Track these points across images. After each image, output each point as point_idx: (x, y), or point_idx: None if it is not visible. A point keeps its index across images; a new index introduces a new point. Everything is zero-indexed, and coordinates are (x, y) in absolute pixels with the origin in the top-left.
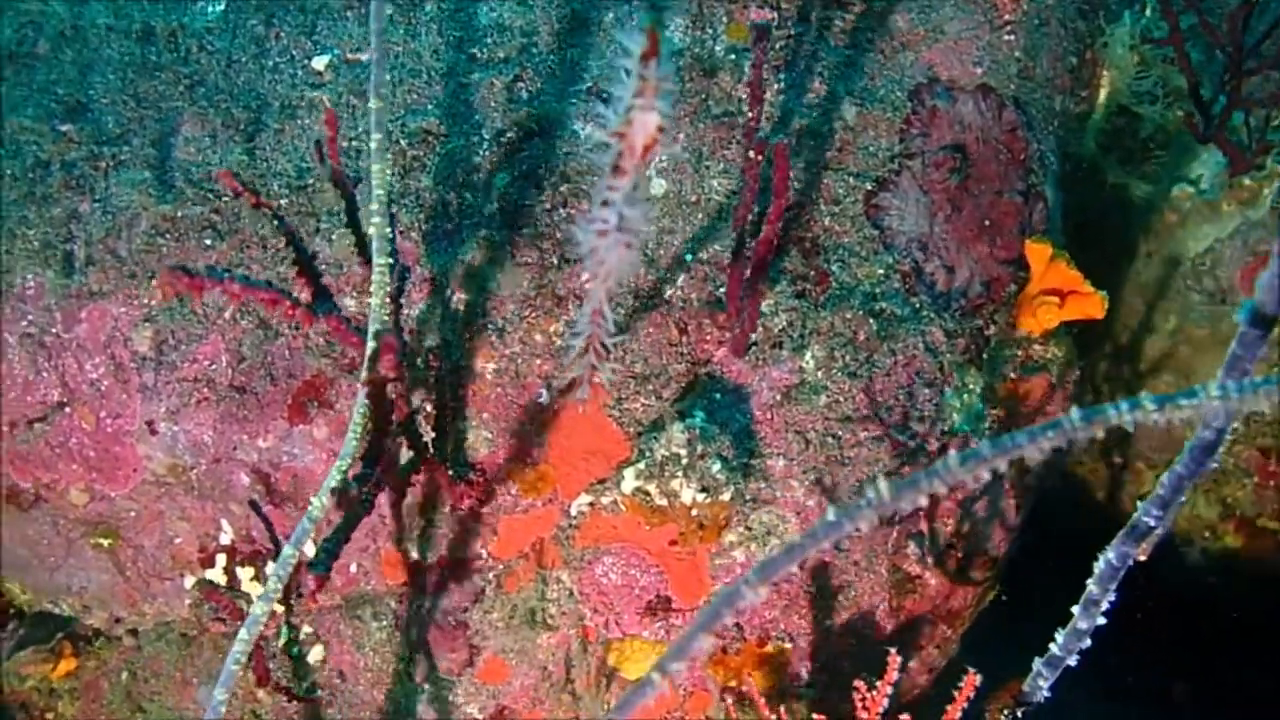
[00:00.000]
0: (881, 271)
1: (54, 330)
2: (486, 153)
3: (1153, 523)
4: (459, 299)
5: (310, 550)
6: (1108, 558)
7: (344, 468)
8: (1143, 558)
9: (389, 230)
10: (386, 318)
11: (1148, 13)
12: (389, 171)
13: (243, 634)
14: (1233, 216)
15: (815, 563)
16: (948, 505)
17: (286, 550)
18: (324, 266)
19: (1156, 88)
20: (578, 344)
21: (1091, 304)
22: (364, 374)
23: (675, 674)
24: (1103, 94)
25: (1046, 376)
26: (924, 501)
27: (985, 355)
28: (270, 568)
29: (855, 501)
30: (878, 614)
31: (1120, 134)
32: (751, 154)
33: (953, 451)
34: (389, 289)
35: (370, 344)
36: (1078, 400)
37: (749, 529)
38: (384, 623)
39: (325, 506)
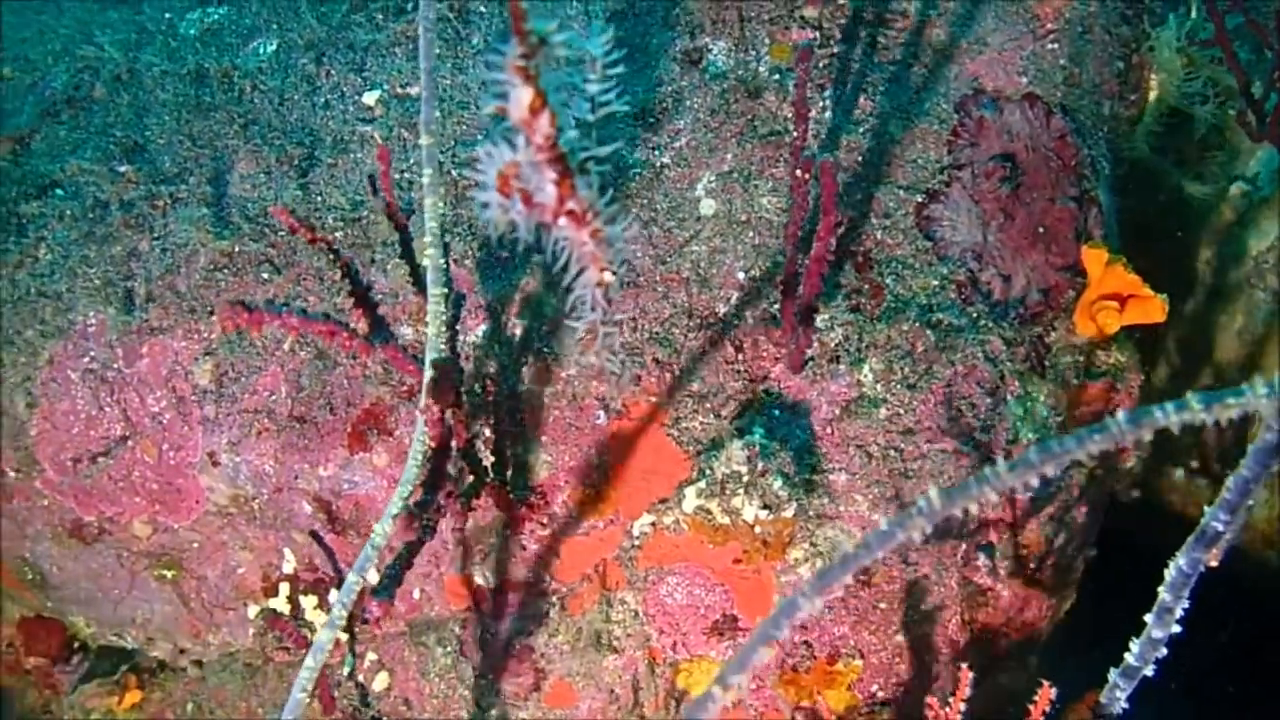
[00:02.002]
0: (936, 283)
1: (116, 366)
2: None
3: (1221, 528)
4: (514, 324)
5: (373, 577)
6: (1178, 564)
7: (406, 495)
8: (1214, 563)
9: (443, 261)
10: (443, 346)
11: (1193, 14)
12: (442, 204)
13: (309, 661)
14: None
15: (884, 577)
16: (1016, 516)
17: (351, 577)
18: (380, 296)
19: (1206, 88)
20: (580, 327)
21: (1152, 307)
22: (421, 402)
23: (736, 686)
24: (1152, 97)
25: (1110, 382)
26: (975, 509)
27: (1046, 363)
28: (334, 595)
29: (907, 510)
30: (950, 629)
31: (1173, 136)
32: (799, 171)
33: (1001, 458)
34: (445, 317)
35: (428, 373)
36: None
37: (814, 545)
38: (448, 648)
39: (388, 533)
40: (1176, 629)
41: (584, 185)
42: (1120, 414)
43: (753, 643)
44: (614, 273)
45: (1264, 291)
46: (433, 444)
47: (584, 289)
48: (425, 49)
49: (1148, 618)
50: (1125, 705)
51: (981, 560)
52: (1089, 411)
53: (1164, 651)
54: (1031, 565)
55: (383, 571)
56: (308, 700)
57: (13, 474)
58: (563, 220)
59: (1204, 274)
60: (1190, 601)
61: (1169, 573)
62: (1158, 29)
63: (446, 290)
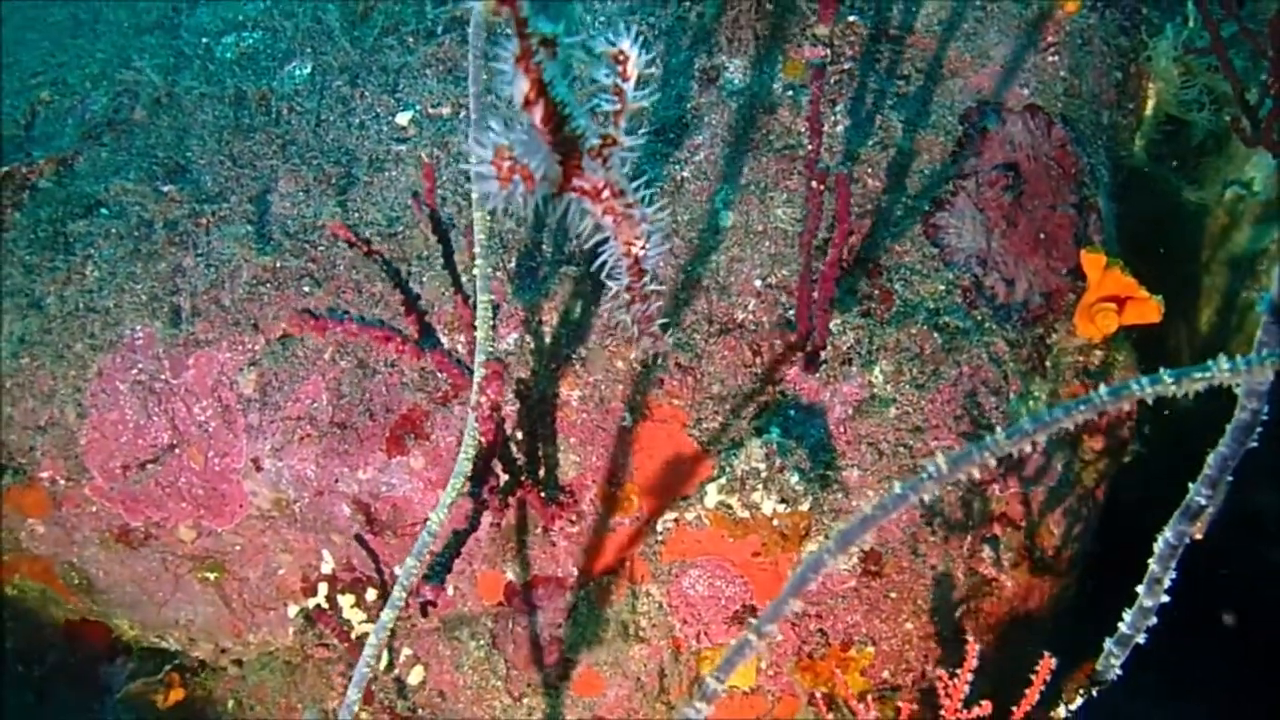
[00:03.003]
0: (943, 287)
1: (163, 377)
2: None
3: (1204, 501)
4: (544, 332)
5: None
6: (1165, 537)
7: (459, 485)
8: (1199, 536)
9: (489, 270)
10: (491, 348)
11: (1190, 24)
12: (488, 215)
13: (372, 639)
14: None
15: (894, 568)
16: (1019, 509)
17: (409, 561)
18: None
19: (1202, 96)
20: (614, 286)
21: (1148, 308)
22: (473, 398)
23: (770, 635)
24: (1150, 105)
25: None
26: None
27: (1048, 363)
28: (371, 595)
29: (918, 475)
30: (957, 617)
31: (1172, 142)
32: (814, 183)
33: (999, 428)
34: (492, 321)
35: (478, 372)
36: (1142, 404)
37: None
38: (481, 642)
39: (443, 520)
40: (1165, 599)
41: (595, 167)
42: (1102, 387)
43: (784, 595)
44: (642, 246)
45: (1260, 294)
46: (484, 439)
47: (610, 255)
48: (474, 74)
49: (1139, 588)
50: (1119, 672)
51: (986, 552)
52: None
53: (1154, 620)
54: (1034, 557)
55: (433, 560)
56: (370, 673)
57: (63, 482)
58: (572, 194)
59: (1202, 278)
60: (1180, 578)
61: (1157, 545)
62: (1155, 39)
63: (493, 297)
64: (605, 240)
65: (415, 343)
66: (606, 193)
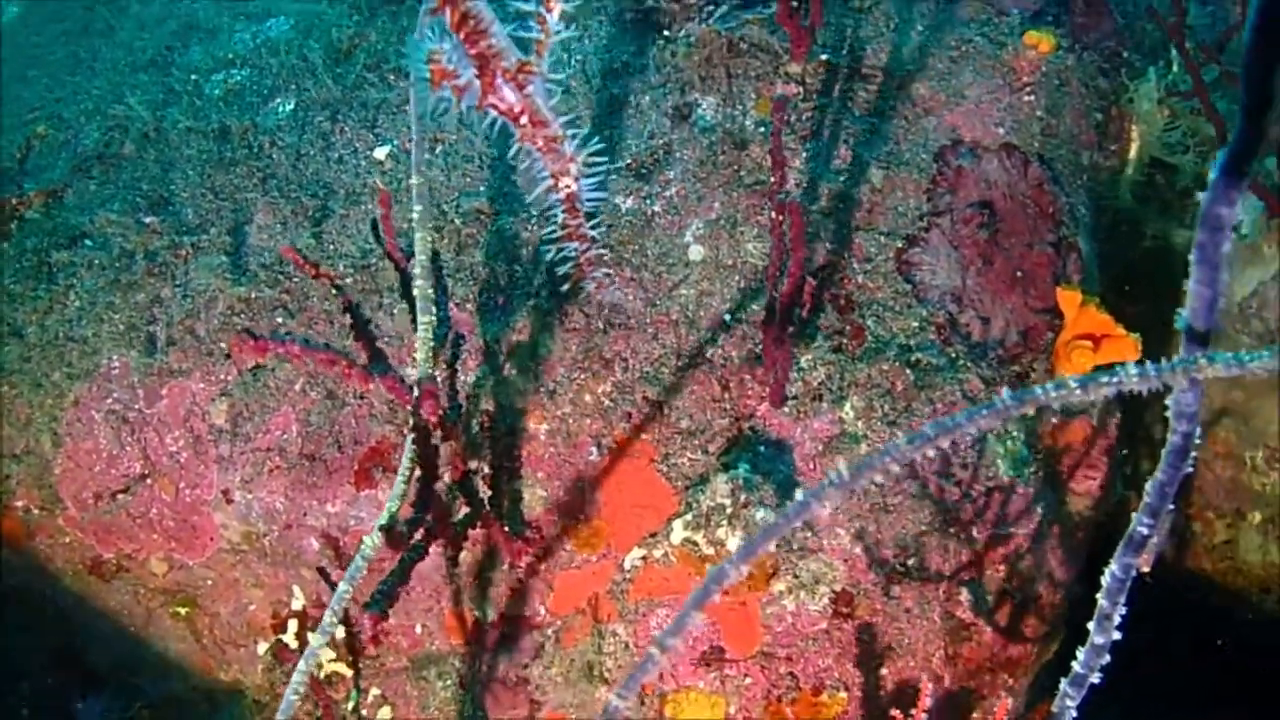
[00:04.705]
0: (916, 324)
1: (137, 407)
2: (534, 227)
3: (1146, 531)
4: (511, 365)
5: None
6: (1112, 571)
7: (394, 509)
8: (1145, 568)
9: (431, 290)
10: (431, 371)
11: (1173, 68)
12: (432, 239)
13: (300, 664)
14: (1274, 258)
15: (868, 611)
16: (999, 552)
17: (341, 586)
18: (386, 338)
19: (1186, 138)
20: (561, 220)
21: (1125, 346)
22: (411, 420)
23: (672, 650)
24: (1134, 148)
25: (1088, 420)
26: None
27: None
28: (341, 634)
29: (820, 483)
30: (933, 662)
31: (1157, 185)
32: (776, 215)
33: (899, 434)
34: (433, 343)
35: (415, 392)
36: (1122, 444)
37: (797, 577)
38: (448, 682)
39: (377, 545)
40: (1117, 635)
41: (510, 89)
42: (1005, 391)
43: (685, 610)
44: (569, 183)
45: (1249, 337)
46: (418, 458)
47: (541, 184)
48: (415, 99)
49: (1089, 625)
50: (1075, 714)
51: (964, 595)
52: (1067, 449)
53: (1108, 658)
54: (1016, 601)
55: (375, 588)
56: (299, 702)
57: (37, 511)
58: (490, 111)
59: None
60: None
61: (1105, 579)
62: (1137, 82)
63: (434, 317)
64: (540, 170)
65: (364, 368)
66: (525, 119)
